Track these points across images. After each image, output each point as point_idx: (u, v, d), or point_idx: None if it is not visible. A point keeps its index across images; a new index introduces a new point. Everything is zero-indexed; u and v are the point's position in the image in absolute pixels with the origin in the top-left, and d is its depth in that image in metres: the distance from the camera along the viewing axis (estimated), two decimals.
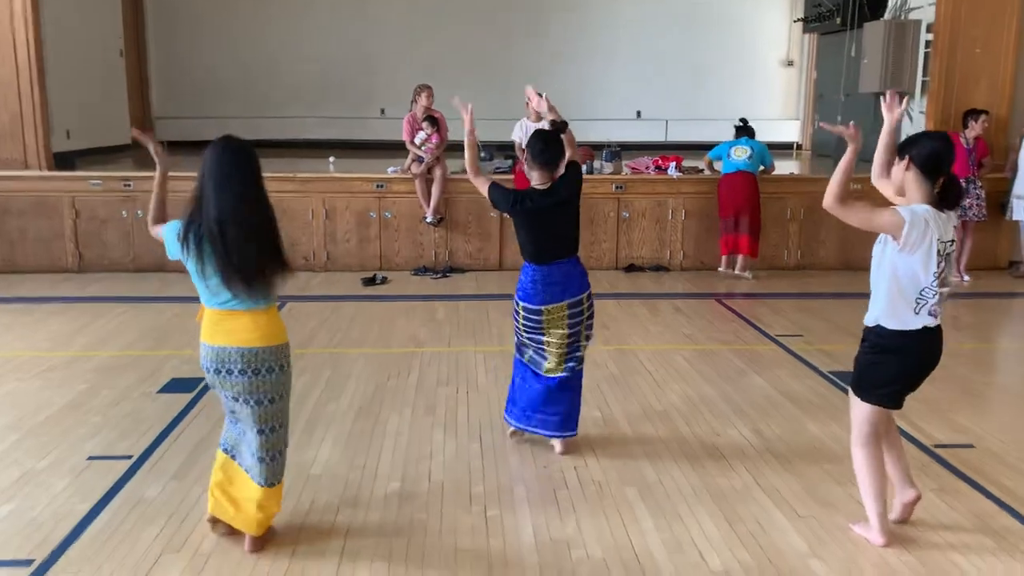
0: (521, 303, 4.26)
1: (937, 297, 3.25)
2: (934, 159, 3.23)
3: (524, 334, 4.30)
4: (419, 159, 8.74)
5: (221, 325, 3.21)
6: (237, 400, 3.23)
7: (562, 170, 4.14)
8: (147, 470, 4.11)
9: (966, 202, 8.66)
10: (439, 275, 8.77)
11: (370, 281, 8.37)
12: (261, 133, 12.58)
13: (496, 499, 3.85)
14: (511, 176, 8.82)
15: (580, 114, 10.52)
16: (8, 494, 3.85)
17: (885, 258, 3.31)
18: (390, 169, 9.09)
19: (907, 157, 3.27)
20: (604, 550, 3.41)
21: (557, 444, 4.32)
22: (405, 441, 4.49)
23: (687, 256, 9.10)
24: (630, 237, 9.10)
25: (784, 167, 10.23)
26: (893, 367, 3.35)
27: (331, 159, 10.45)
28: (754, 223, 8.48)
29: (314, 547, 3.41)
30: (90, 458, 4.24)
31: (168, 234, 3.26)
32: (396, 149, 10.86)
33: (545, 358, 4.27)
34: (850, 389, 3.53)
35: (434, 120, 8.77)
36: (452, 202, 8.94)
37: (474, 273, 8.91)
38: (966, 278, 8.75)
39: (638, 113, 13.93)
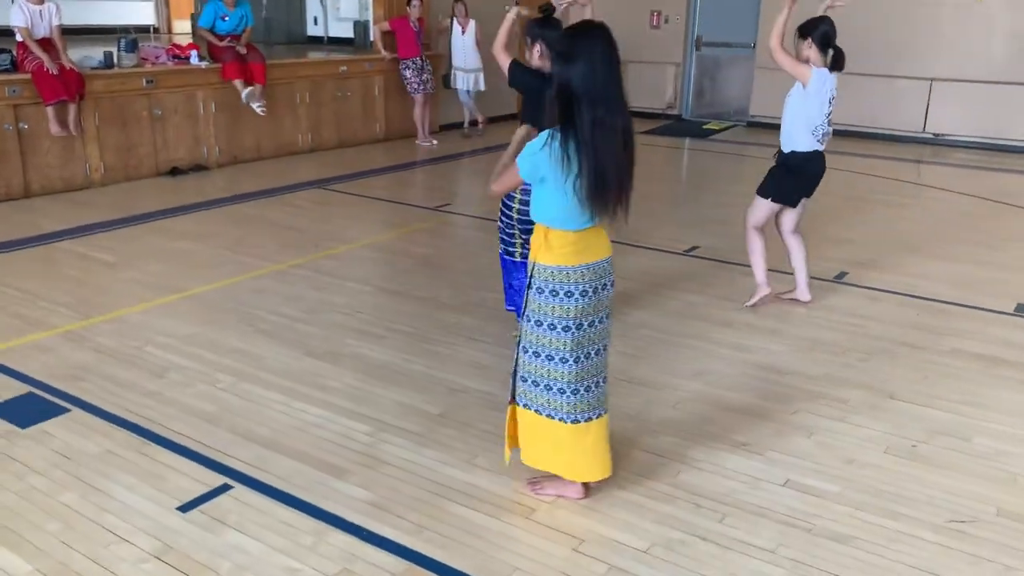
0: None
1: (824, 131, 4.75)
2: (829, 36, 4.68)
3: (519, 227, 4.35)
4: None
5: (581, 243, 2.83)
6: (587, 325, 2.87)
7: None
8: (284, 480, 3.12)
9: (423, 76, 10.17)
10: None
11: None
12: None
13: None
14: (31, 76, 6.95)
15: None
16: None
17: (795, 103, 4.72)
18: None
19: (809, 37, 4.67)
20: (731, 364, 4.24)
21: None
22: (440, 363, 4.22)
23: (223, 152, 8.59)
24: (166, 137, 8.11)
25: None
26: (796, 178, 4.87)
27: None
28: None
29: (644, 485, 3.19)
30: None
31: (530, 158, 2.74)
32: None
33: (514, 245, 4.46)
34: (757, 193, 4.93)
35: None
36: None
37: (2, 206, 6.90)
38: (434, 143, 10.41)
39: None
